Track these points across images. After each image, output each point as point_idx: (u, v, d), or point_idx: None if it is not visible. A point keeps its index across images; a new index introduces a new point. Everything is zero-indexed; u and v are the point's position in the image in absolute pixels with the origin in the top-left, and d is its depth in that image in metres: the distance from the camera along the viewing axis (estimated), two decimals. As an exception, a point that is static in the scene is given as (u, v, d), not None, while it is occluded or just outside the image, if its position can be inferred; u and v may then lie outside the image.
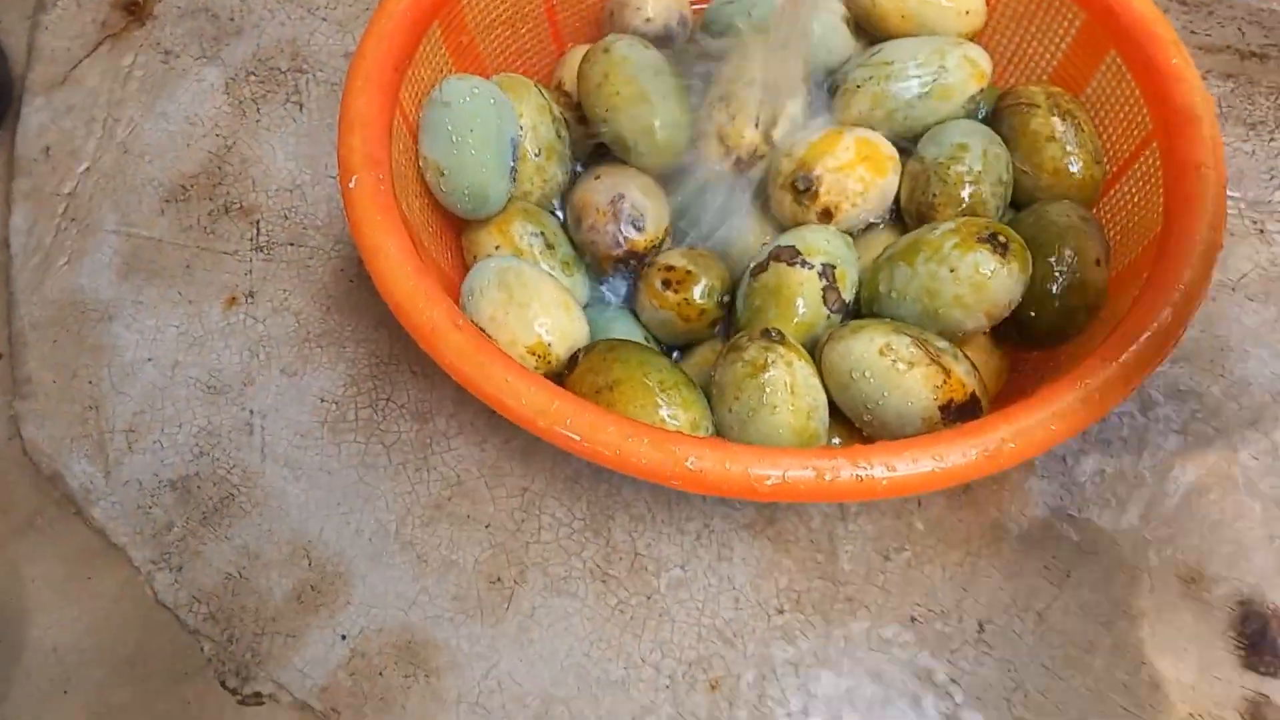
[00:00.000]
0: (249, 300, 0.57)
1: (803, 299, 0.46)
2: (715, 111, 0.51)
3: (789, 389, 0.42)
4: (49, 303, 0.58)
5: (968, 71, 0.50)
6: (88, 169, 0.63)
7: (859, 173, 0.48)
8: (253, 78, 0.66)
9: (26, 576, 0.50)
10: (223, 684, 0.47)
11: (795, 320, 0.46)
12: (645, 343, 0.49)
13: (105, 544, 0.51)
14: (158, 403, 0.54)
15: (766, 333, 0.43)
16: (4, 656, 0.48)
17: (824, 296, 0.46)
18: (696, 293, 0.48)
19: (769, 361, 0.42)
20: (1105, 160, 0.50)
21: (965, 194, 0.47)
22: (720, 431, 0.44)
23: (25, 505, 0.52)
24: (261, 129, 0.64)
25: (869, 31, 0.54)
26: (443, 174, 0.48)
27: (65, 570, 0.50)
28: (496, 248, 0.50)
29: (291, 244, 0.59)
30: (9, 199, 0.62)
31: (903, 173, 0.50)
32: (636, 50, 0.51)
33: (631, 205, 0.50)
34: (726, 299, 0.49)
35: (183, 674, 0.48)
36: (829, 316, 0.46)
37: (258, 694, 0.47)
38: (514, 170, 0.50)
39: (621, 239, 0.50)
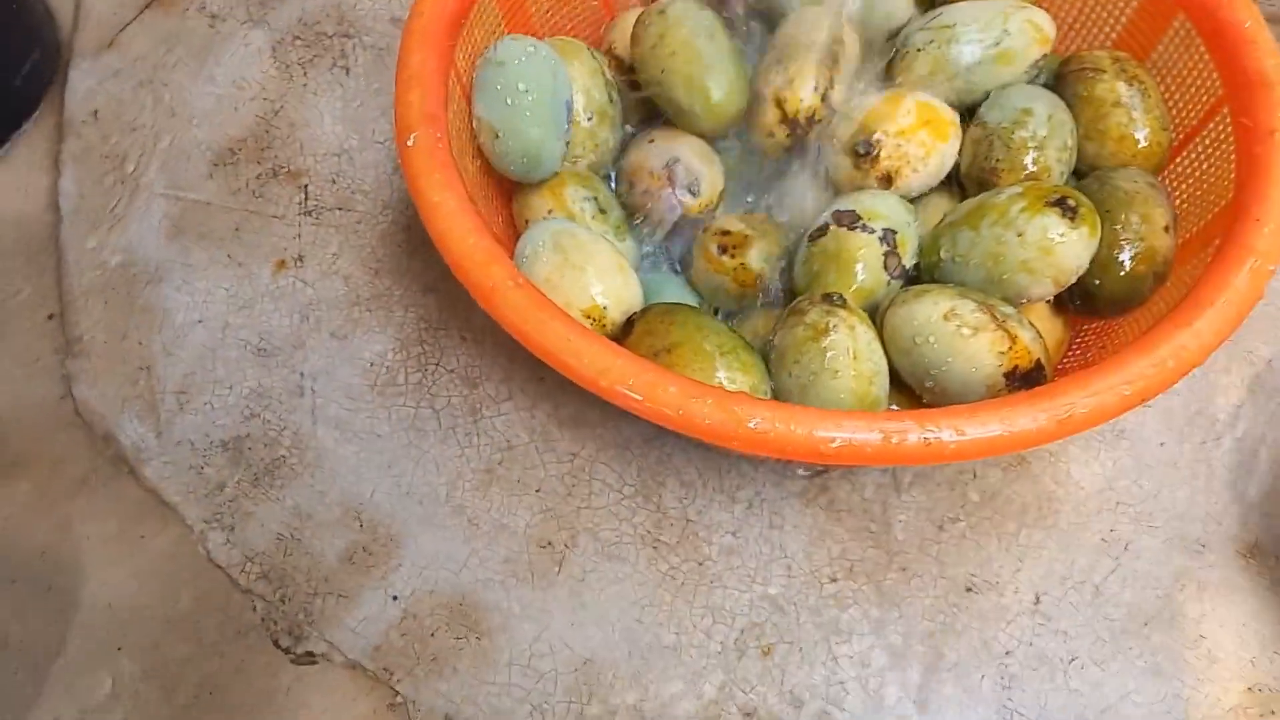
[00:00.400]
0: (298, 264, 0.57)
1: (863, 264, 0.45)
2: (772, 74, 0.50)
3: (851, 354, 0.42)
4: (99, 264, 0.58)
5: (1031, 36, 0.49)
6: (136, 132, 0.63)
7: (920, 137, 0.47)
8: (299, 41, 0.66)
9: (80, 535, 0.50)
10: (275, 643, 0.47)
11: (855, 286, 0.45)
12: (700, 307, 0.48)
13: (158, 503, 0.51)
14: (208, 364, 0.54)
15: (828, 297, 0.43)
16: (59, 614, 0.49)
17: (885, 262, 0.45)
18: (753, 257, 0.48)
19: (831, 326, 0.42)
20: (1172, 127, 0.49)
21: (1029, 160, 0.47)
22: (779, 397, 0.44)
23: (78, 464, 0.52)
24: (309, 93, 0.63)
25: None
26: (497, 135, 0.48)
27: (119, 529, 0.50)
28: (549, 212, 0.50)
29: (340, 208, 0.59)
30: (58, 162, 0.62)
31: (963, 138, 0.49)
32: (692, 11, 0.50)
33: (686, 169, 0.50)
34: (783, 264, 0.49)
35: (236, 633, 0.48)
36: (889, 282, 0.46)
37: (310, 653, 0.47)
38: (568, 132, 0.50)
39: (676, 203, 0.50)
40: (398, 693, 0.46)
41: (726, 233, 0.49)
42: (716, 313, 0.51)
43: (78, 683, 0.47)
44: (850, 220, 0.46)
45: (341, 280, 0.57)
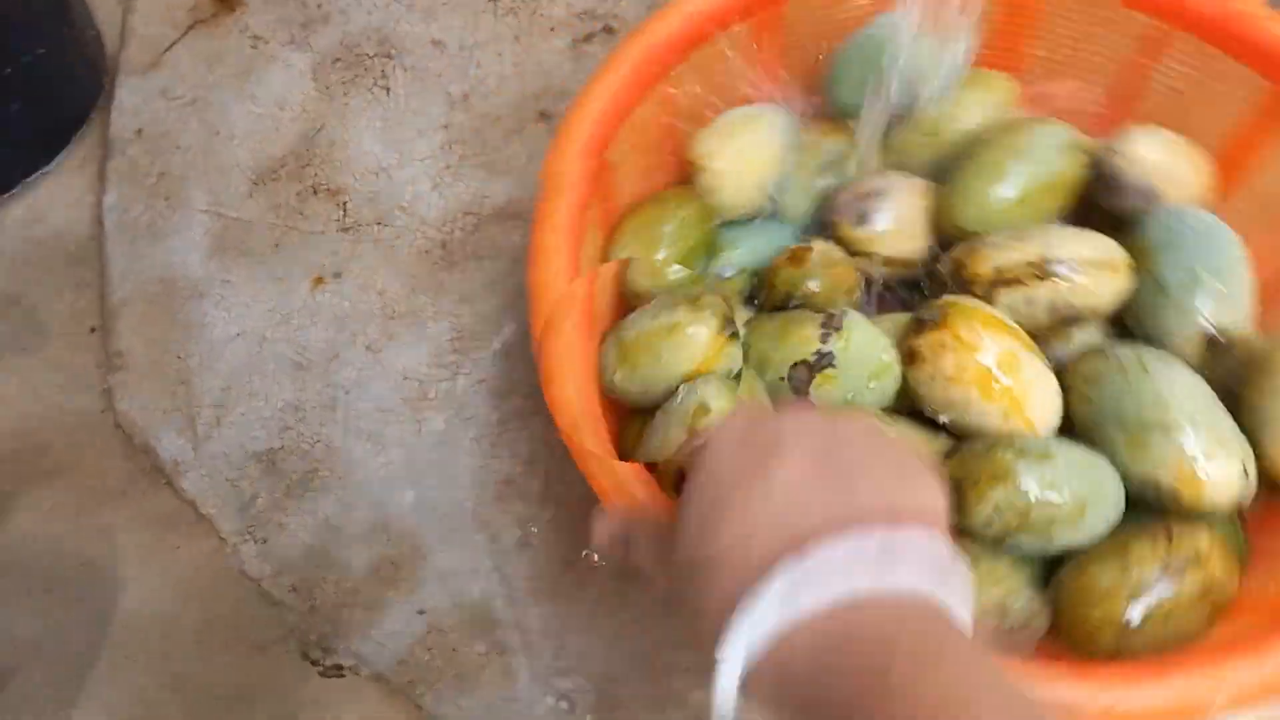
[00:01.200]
0: (335, 279, 0.58)
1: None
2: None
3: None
4: (141, 279, 0.59)
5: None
6: (179, 150, 0.64)
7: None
8: (339, 63, 0.67)
9: (118, 544, 0.51)
10: (304, 655, 0.48)
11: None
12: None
13: (194, 514, 0.52)
14: (245, 378, 0.55)
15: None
16: (94, 622, 0.49)
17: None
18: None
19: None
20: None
21: None
22: None
23: (117, 474, 0.53)
24: (349, 113, 0.65)
25: None
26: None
27: (154, 539, 0.51)
28: None
29: (378, 224, 0.60)
30: (103, 178, 0.64)
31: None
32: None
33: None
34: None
35: (266, 644, 0.48)
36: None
37: (338, 666, 0.48)
38: None
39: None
40: (421, 707, 0.46)
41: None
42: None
43: (109, 691, 0.48)
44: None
45: (378, 295, 0.57)
